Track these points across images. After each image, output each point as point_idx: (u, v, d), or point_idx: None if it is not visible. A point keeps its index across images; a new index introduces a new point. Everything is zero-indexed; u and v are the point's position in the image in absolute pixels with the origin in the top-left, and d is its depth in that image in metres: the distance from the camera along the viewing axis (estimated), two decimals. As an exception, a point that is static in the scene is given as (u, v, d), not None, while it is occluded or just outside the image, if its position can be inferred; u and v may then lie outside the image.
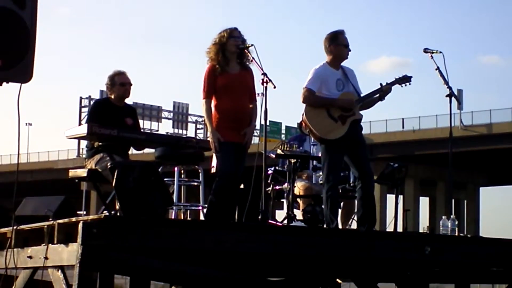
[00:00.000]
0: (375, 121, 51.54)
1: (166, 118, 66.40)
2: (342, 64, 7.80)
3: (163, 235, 5.59)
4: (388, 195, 49.33)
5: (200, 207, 9.02)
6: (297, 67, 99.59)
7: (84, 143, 8.24)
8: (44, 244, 6.02)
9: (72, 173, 7.87)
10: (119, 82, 7.86)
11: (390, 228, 8.95)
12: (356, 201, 8.74)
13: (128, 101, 8.12)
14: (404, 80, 7.91)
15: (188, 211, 9.68)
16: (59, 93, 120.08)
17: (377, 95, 7.80)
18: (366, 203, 7.61)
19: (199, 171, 9.19)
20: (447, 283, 7.96)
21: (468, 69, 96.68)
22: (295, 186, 8.76)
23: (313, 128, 7.66)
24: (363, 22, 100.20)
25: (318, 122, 7.64)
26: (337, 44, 7.70)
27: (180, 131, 65.32)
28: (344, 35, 7.74)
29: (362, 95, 7.77)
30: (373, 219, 7.60)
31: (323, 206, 7.96)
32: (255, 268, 6.52)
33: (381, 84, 7.79)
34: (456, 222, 7.49)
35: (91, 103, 55.79)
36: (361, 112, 7.79)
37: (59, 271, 6.00)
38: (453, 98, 7.95)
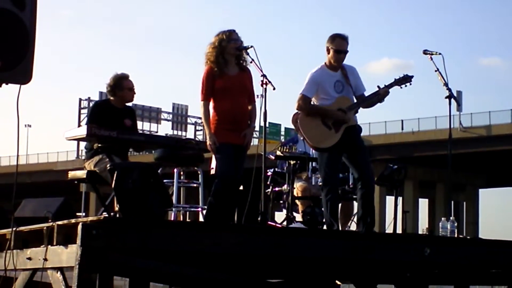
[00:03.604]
0: (374, 122, 51.59)
1: (166, 119, 66.46)
2: (344, 62, 7.74)
3: (162, 237, 5.58)
4: (387, 197, 49.33)
5: (200, 209, 9.02)
6: (297, 69, 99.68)
7: (83, 144, 8.23)
8: (43, 246, 6.01)
9: (71, 174, 7.86)
10: (128, 87, 7.85)
11: (389, 229, 8.95)
12: (355, 202, 8.76)
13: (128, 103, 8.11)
14: (404, 80, 7.87)
15: (188, 213, 9.68)
16: (58, 94, 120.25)
17: (376, 97, 7.79)
18: (365, 205, 7.61)
19: (199, 172, 9.18)
20: (446, 285, 7.95)
21: (469, 71, 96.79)
22: (294, 188, 8.76)
23: (306, 136, 7.70)
24: (365, 23, 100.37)
25: (311, 129, 7.67)
26: (331, 47, 7.66)
27: (180, 133, 65.40)
28: (343, 40, 7.64)
29: (364, 93, 7.76)
30: (372, 221, 7.60)
31: (322, 208, 7.94)
32: (254, 269, 6.51)
33: (378, 87, 7.77)
34: (455, 224, 7.49)
35: (91, 104, 55.84)
36: (362, 110, 7.79)
37: (59, 272, 6.00)
38: (452, 100, 7.94)
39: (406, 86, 7.89)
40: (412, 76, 7.85)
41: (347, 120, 7.63)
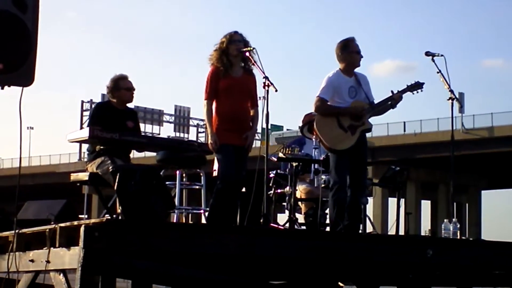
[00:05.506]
0: (377, 124, 51.41)
1: (168, 121, 66.53)
2: (355, 70, 7.83)
3: (164, 239, 5.58)
4: (389, 199, 49.30)
5: (202, 211, 9.02)
6: (298, 71, 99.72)
7: (85, 146, 8.24)
8: (46, 248, 6.01)
9: (73, 176, 7.86)
10: (125, 87, 7.87)
11: (392, 231, 8.95)
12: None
13: (130, 104, 8.12)
14: (416, 87, 7.95)
15: (190, 215, 9.69)
16: (60, 96, 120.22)
17: (389, 103, 7.81)
18: (352, 213, 7.60)
19: (201, 174, 9.19)
20: (449, 287, 7.95)
21: (471, 73, 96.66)
22: (296, 190, 8.76)
23: (323, 138, 7.73)
24: (368, 25, 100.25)
25: (328, 132, 7.70)
26: (349, 51, 7.74)
27: (182, 135, 65.44)
28: (355, 42, 7.79)
29: (373, 101, 7.79)
30: (351, 224, 7.58)
31: (326, 211, 7.95)
32: (257, 271, 6.51)
33: (392, 92, 7.81)
34: (458, 225, 7.50)
35: (93, 106, 55.90)
36: (372, 117, 7.83)
37: (61, 274, 6.00)
38: (454, 101, 7.94)
39: (418, 92, 7.95)
40: (423, 83, 7.93)
41: (364, 117, 7.66)
